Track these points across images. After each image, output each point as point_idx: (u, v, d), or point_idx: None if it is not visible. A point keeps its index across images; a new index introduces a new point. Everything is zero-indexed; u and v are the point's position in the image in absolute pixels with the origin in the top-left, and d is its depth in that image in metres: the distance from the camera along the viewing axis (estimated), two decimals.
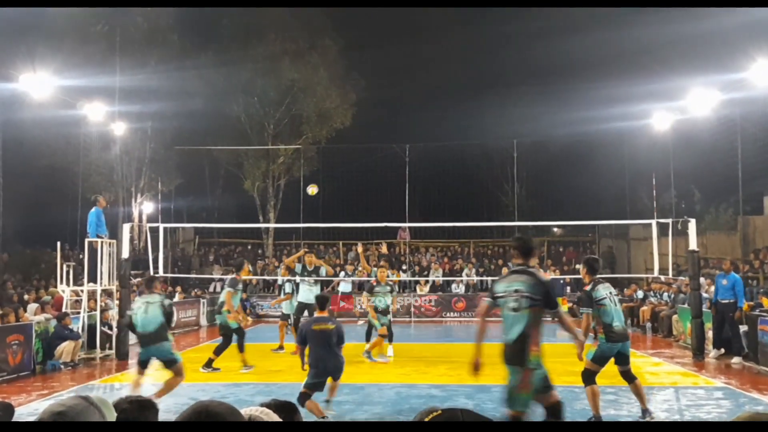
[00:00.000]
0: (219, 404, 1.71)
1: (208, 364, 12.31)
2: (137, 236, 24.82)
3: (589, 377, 7.97)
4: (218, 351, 12.49)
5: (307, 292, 14.38)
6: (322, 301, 8.75)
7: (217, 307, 13.54)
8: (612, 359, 8.03)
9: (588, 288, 8.15)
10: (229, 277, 13.75)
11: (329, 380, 8.38)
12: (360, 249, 16.65)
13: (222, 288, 14.20)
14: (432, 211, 28.64)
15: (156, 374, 9.87)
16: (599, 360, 7.97)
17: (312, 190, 17.70)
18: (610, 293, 8.06)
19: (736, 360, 13.30)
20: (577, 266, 26.58)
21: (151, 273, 16.22)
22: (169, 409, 7.54)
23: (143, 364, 9.22)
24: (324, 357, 8.13)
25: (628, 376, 8.17)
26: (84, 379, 11.90)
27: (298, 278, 14.78)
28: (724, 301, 13.69)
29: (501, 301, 5.89)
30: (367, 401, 9.62)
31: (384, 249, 24.33)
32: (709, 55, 20.56)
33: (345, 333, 8.42)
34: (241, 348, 12.59)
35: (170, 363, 9.16)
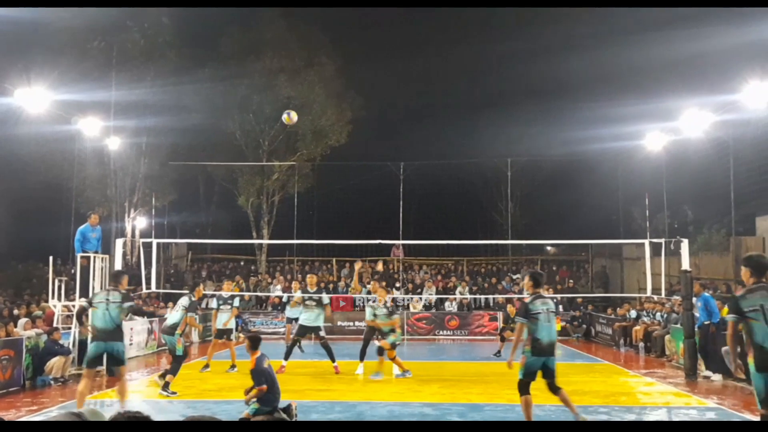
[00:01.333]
0: (210, 419, 1.71)
1: (165, 387, 11.49)
2: (130, 251, 24.73)
3: (523, 388, 8.29)
4: (173, 371, 11.69)
5: (309, 314, 14.28)
6: (255, 341, 8.86)
7: (168, 328, 12.20)
8: (540, 372, 8.37)
9: (527, 300, 8.49)
10: (186, 299, 12.49)
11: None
12: (358, 266, 16.44)
13: (176, 307, 12.91)
14: (426, 229, 28.69)
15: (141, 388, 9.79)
16: (528, 373, 8.27)
17: (289, 117, 14.96)
18: (547, 309, 8.35)
19: (715, 377, 13.54)
20: (570, 284, 26.61)
21: (144, 288, 16.18)
22: None
23: (94, 362, 9.46)
24: (272, 392, 8.48)
25: (554, 388, 8.44)
26: (74, 395, 11.77)
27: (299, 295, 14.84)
28: (706, 323, 14.10)
29: (753, 315, 6.23)
30: (359, 419, 9.57)
31: (380, 266, 24.20)
32: (703, 76, 20.75)
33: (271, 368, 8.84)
34: (174, 371, 11.66)
35: (119, 362, 9.50)
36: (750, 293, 6.30)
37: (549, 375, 8.40)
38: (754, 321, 6.19)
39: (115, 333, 9.35)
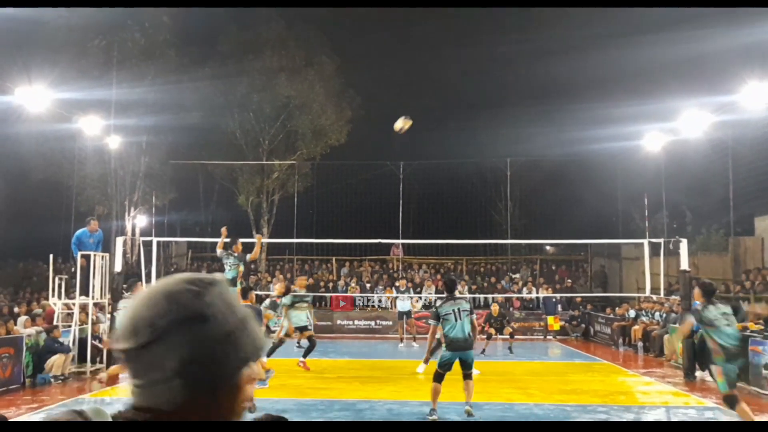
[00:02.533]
0: None
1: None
2: (130, 250, 24.76)
3: (437, 377, 9.37)
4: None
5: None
6: (243, 292, 10.82)
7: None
8: (457, 363, 9.41)
9: (438, 304, 9.75)
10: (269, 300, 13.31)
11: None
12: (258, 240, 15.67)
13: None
14: (425, 228, 28.71)
15: None
16: (443, 365, 9.37)
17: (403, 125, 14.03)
18: (457, 309, 9.38)
19: (711, 378, 13.65)
20: (568, 284, 26.65)
21: (144, 287, 16.21)
22: None
23: None
24: None
25: (466, 376, 9.46)
26: (74, 393, 11.84)
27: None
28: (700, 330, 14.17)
29: (717, 323, 8.21)
30: (358, 417, 9.61)
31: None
32: (702, 77, 20.77)
33: (261, 315, 10.46)
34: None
35: None
36: (706, 308, 8.26)
37: (465, 366, 9.41)
38: (715, 328, 8.15)
39: None
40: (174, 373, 1.15)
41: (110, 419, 2.50)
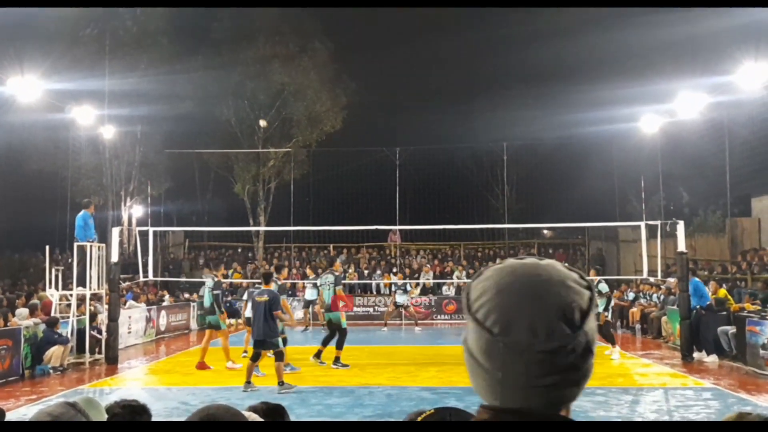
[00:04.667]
0: (227, 410, 1.71)
1: (336, 361, 12.97)
2: (127, 240, 24.70)
3: None
4: (331, 342, 13.23)
5: None
6: (266, 277, 11.15)
7: (329, 305, 13.31)
8: None
9: None
10: (331, 276, 13.36)
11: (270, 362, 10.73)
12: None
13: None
14: (422, 214, 28.67)
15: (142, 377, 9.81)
16: None
17: None
18: None
19: (709, 359, 13.66)
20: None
21: (141, 277, 16.20)
22: (158, 413, 7.50)
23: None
24: (256, 323, 10.46)
25: None
26: (73, 384, 11.83)
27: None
28: (697, 307, 14.20)
29: None
30: (357, 404, 9.62)
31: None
32: (697, 58, 20.70)
33: (278, 300, 10.70)
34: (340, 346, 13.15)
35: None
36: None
37: None
38: None
39: (208, 310, 12.97)
40: (586, 367, 1.08)
41: (102, 409, 2.47)
